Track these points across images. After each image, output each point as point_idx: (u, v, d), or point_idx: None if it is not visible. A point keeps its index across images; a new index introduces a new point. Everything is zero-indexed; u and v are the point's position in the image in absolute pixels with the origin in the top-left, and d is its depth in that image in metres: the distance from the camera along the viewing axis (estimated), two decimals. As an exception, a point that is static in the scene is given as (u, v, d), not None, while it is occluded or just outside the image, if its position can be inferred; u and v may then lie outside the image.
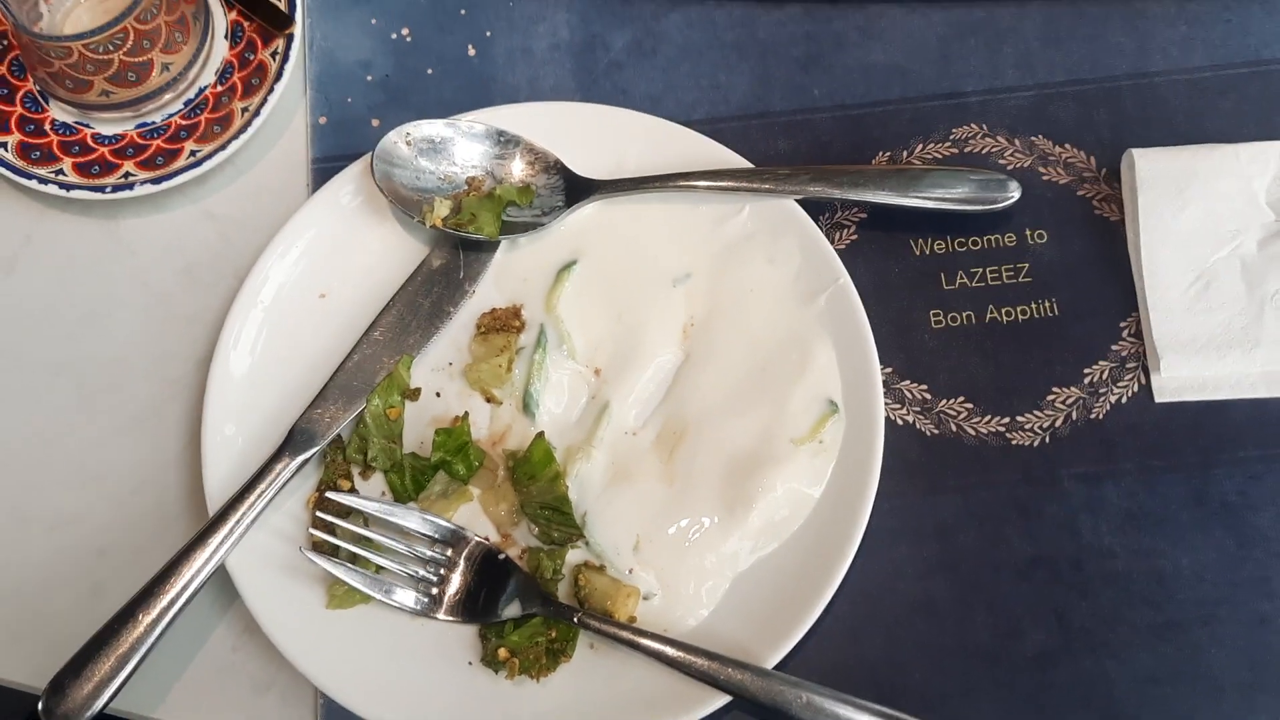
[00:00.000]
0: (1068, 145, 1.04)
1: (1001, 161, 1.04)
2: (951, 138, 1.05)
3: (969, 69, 1.08)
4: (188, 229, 1.06)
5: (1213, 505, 0.92)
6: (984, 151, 1.04)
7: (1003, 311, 0.99)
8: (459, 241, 0.98)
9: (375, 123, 1.08)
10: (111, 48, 0.98)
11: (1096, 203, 1.01)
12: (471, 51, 1.11)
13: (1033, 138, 1.05)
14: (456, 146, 0.99)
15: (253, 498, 0.88)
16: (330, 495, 0.87)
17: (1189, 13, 1.08)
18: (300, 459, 0.90)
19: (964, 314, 0.99)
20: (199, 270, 1.04)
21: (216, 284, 1.03)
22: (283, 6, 1.07)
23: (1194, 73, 1.06)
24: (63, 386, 1.02)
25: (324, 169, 1.06)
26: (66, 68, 0.99)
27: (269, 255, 0.97)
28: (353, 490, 0.92)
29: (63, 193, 1.02)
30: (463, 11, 1.12)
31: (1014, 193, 0.98)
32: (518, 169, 1.00)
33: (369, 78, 1.10)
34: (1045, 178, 1.03)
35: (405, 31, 1.12)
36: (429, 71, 1.10)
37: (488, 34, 1.11)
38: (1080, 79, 1.06)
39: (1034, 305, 0.99)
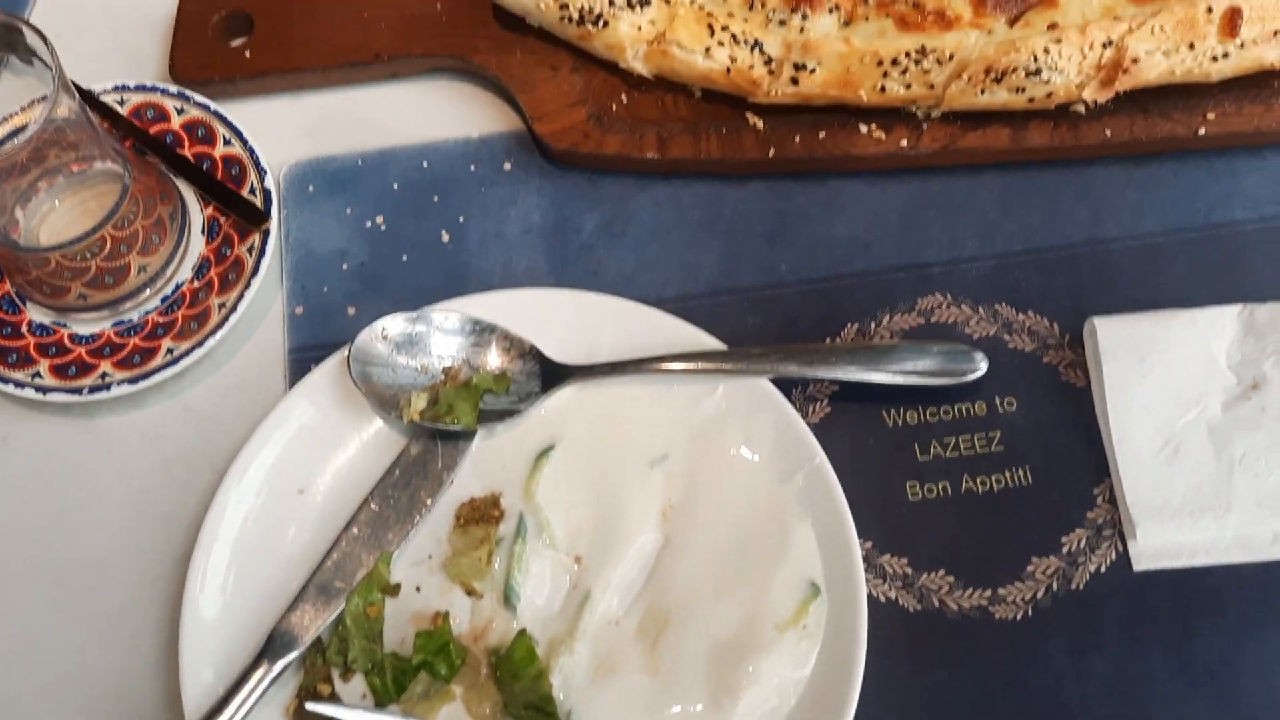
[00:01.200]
0: (1030, 312, 1.07)
1: (967, 330, 1.06)
2: (917, 308, 1.08)
3: (930, 240, 1.11)
4: (165, 424, 1.06)
5: (1197, 672, 0.92)
6: (950, 321, 1.07)
7: (978, 481, 1.00)
8: (437, 431, 0.99)
9: (352, 311, 1.10)
10: (89, 255, 1.00)
11: (1063, 369, 1.04)
12: (445, 238, 1.13)
13: (996, 305, 1.07)
14: (432, 338, 1.01)
15: (231, 709, 0.86)
16: (310, 707, 0.86)
17: (1138, 179, 1.12)
18: (280, 664, 0.89)
19: (940, 485, 1.00)
20: (176, 466, 1.04)
21: (194, 480, 1.03)
22: (258, 202, 1.10)
23: (1147, 238, 1.09)
24: (40, 589, 1.01)
25: (301, 359, 1.07)
26: (44, 275, 1.01)
27: (246, 453, 0.97)
28: (333, 695, 0.90)
29: (39, 396, 1.02)
30: (436, 199, 1.15)
31: (981, 365, 1.00)
32: (494, 357, 1.02)
33: (345, 266, 1.12)
34: (1011, 345, 1.05)
35: (380, 220, 1.14)
36: (404, 258, 1.12)
37: (461, 220, 1.14)
38: (1038, 247, 1.10)
39: (1008, 474, 1.00)
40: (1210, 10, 1.05)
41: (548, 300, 1.04)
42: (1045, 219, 1.11)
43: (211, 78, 1.17)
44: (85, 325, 1.06)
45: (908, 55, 1.06)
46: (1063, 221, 1.11)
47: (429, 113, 1.19)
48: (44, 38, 0.95)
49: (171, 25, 1.22)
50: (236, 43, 1.21)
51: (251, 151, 1.12)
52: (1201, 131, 1.08)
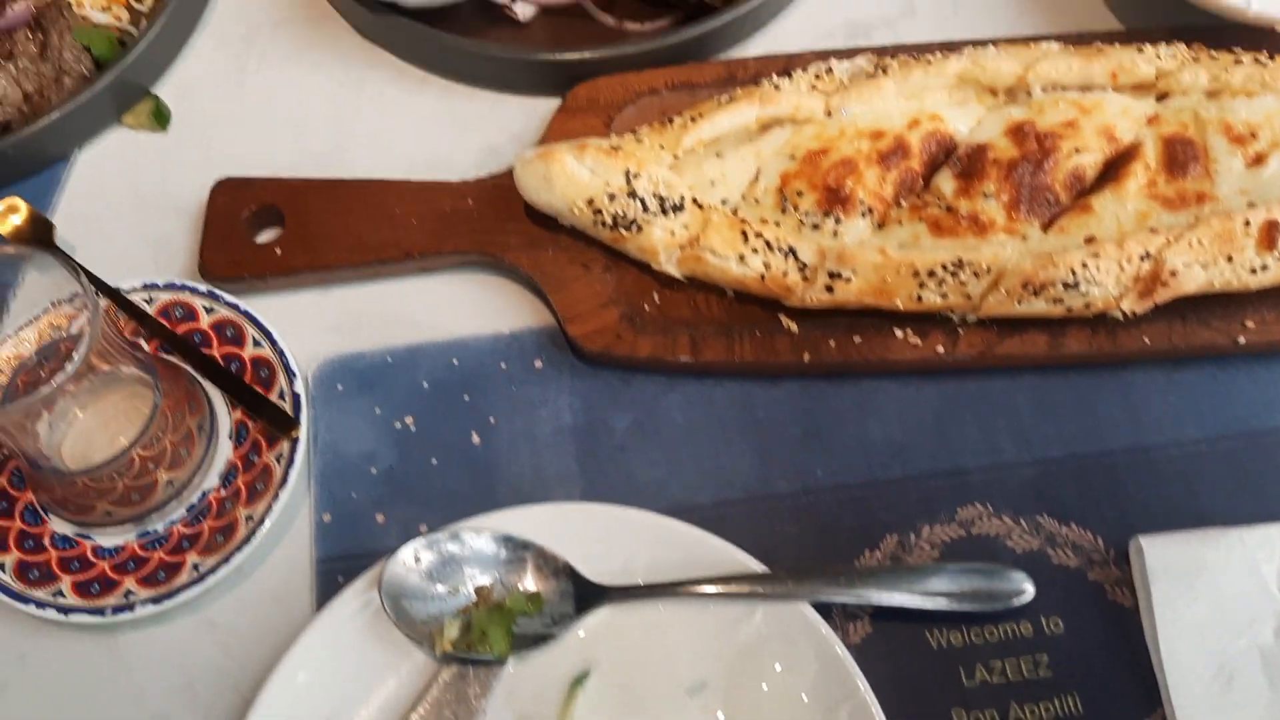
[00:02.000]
0: (1073, 525, 1.05)
1: (1009, 544, 1.04)
2: (957, 519, 1.06)
3: (967, 443, 1.09)
4: (188, 641, 1.03)
5: None
6: (991, 534, 1.05)
7: (1026, 710, 0.97)
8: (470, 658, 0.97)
9: (380, 518, 1.08)
10: (116, 475, 0.98)
11: (1109, 588, 1.01)
12: (476, 439, 1.12)
13: (1038, 517, 1.05)
14: (464, 559, 0.98)
15: None
16: None
17: (1178, 383, 1.11)
18: None
19: (988, 713, 0.97)
20: (199, 687, 1.01)
21: (218, 701, 1.00)
22: (287, 408, 1.08)
23: (1189, 445, 1.08)
24: (53, 819, 0.97)
25: (329, 570, 1.05)
26: (69, 494, 0.99)
27: (273, 684, 0.94)
28: None
29: (61, 617, 1.00)
30: (466, 398, 1.14)
31: (1027, 591, 0.98)
32: (527, 575, 0.99)
33: (373, 470, 1.10)
34: (1055, 561, 1.03)
35: (409, 420, 1.13)
36: (433, 461, 1.11)
37: (491, 420, 1.12)
38: (1078, 454, 1.08)
39: (1057, 702, 0.97)
40: (1248, 224, 1.04)
41: (582, 516, 1.02)
42: (1084, 424, 1.09)
43: (241, 276, 1.16)
44: (109, 537, 1.04)
45: (944, 268, 1.05)
46: (1102, 427, 1.09)
47: (459, 307, 1.18)
48: (80, 273, 0.93)
49: (200, 214, 1.22)
50: (266, 237, 1.21)
51: (281, 354, 1.11)
52: (1241, 340, 1.07)
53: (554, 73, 1.26)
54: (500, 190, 1.19)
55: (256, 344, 1.12)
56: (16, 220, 1.17)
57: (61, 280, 0.95)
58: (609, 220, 1.11)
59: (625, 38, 1.29)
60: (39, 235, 1.17)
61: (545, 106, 1.29)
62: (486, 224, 1.18)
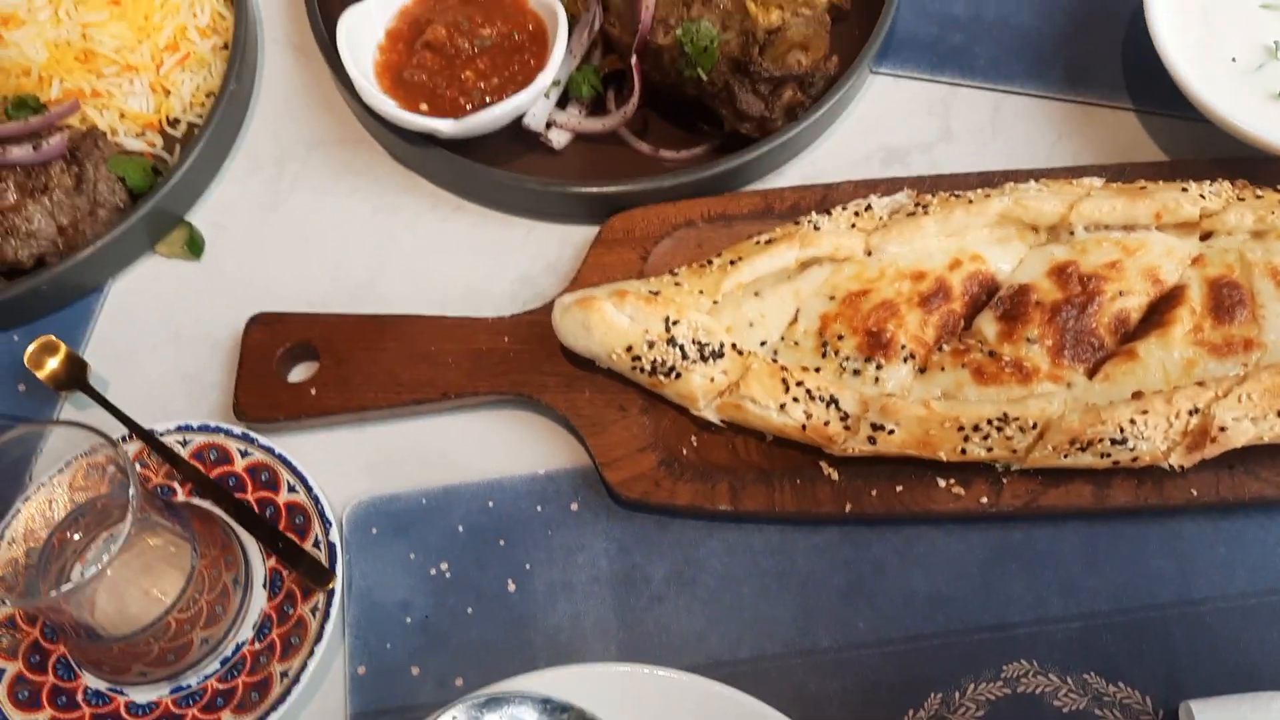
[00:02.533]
0: (1121, 684, 1.03)
1: (1056, 703, 1.02)
2: (1002, 676, 1.04)
3: (1012, 596, 1.07)
4: (222, 802, 1.02)
5: None
6: (1037, 691, 1.03)
7: None
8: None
9: (415, 671, 1.06)
10: (152, 640, 0.97)
11: (1160, 755, 0.99)
12: (511, 587, 1.10)
13: (1085, 675, 1.03)
14: (504, 727, 0.97)
15: None
16: None
17: (1226, 533, 1.09)
18: None
19: None
20: None
21: None
22: (322, 557, 1.07)
23: (1238, 599, 1.06)
24: None
25: (363, 727, 1.04)
26: (103, 657, 0.98)
27: None
28: None
29: (95, 782, 0.99)
30: (501, 542, 1.12)
31: (1078, 763, 0.96)
32: (567, 741, 0.98)
33: (408, 619, 1.09)
34: (1104, 723, 1.01)
35: (444, 566, 1.11)
36: (469, 610, 1.09)
37: (527, 567, 1.11)
38: (1125, 607, 1.06)
39: None
40: (1298, 379, 1.03)
41: (620, 678, 1.00)
42: (1131, 575, 1.07)
43: (276, 418, 1.15)
44: (143, 693, 1.03)
45: (990, 422, 1.04)
46: (1150, 578, 1.07)
47: (495, 446, 1.17)
48: (126, 469, 0.92)
49: (233, 346, 1.21)
50: (301, 372, 1.20)
51: (316, 500, 1.10)
52: (1291, 493, 1.06)
53: (589, 203, 1.26)
54: (536, 328, 1.18)
55: (291, 489, 1.11)
56: (54, 364, 1.16)
57: (98, 445, 0.95)
58: (648, 367, 1.10)
59: (660, 165, 1.28)
60: (74, 375, 1.17)
61: (579, 234, 1.28)
62: (523, 362, 1.17)
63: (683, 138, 1.30)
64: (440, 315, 1.20)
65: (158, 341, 1.24)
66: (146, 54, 1.28)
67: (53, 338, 1.18)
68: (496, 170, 1.25)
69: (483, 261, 1.28)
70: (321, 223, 1.31)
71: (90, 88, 1.26)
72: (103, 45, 1.25)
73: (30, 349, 1.17)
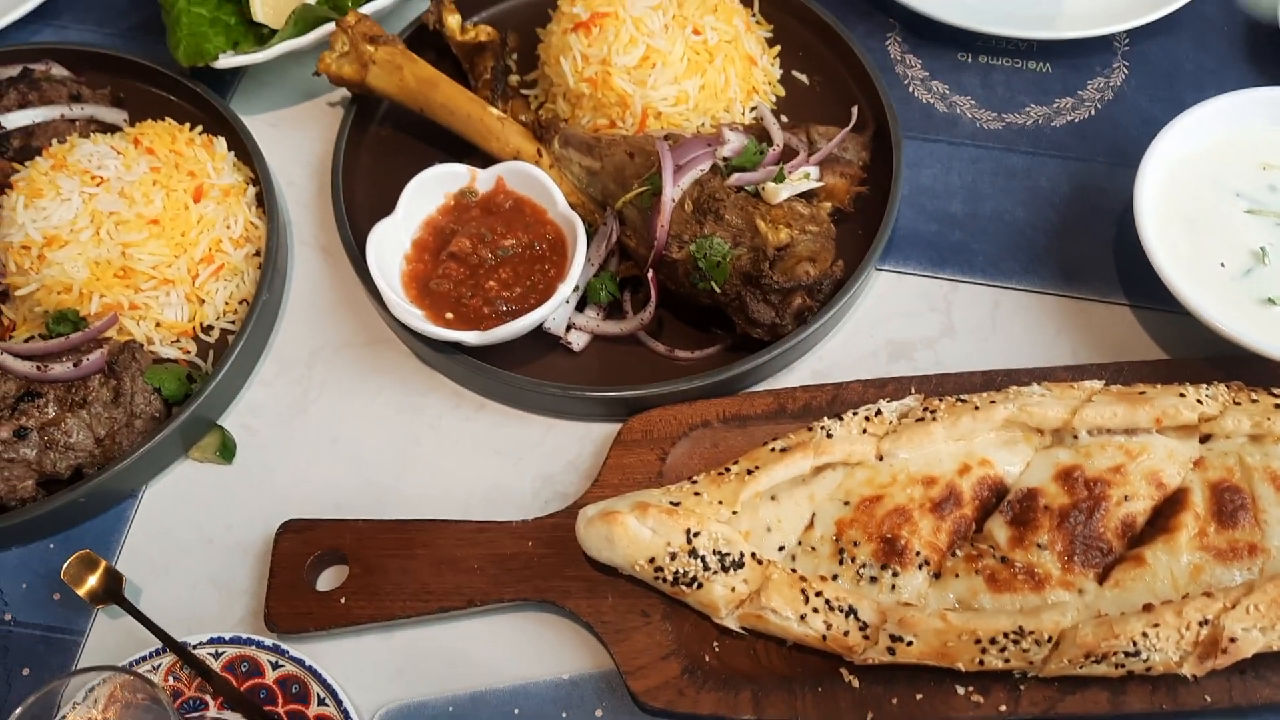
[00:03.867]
0: None
1: None
2: None
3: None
4: None
5: None
6: None
7: None
8: None
9: None
10: None
11: None
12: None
13: None
14: None
15: None
16: None
17: (1242, 735, 1.11)
18: None
19: None
20: None
21: None
22: (354, 774, 1.09)
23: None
24: None
25: None
26: None
27: None
28: None
29: None
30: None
31: None
32: None
33: (437, 834, 1.10)
34: None
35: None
36: (497, 823, 1.10)
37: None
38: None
39: None
40: (1303, 588, 1.06)
41: None
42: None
43: (307, 628, 1.18)
44: None
45: (1005, 635, 1.06)
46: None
47: (520, 648, 1.19)
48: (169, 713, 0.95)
49: (263, 551, 1.25)
50: (330, 578, 1.23)
51: (346, 714, 1.12)
52: (1302, 696, 1.08)
53: (608, 404, 1.30)
54: (559, 531, 1.21)
55: (321, 702, 1.13)
56: (92, 581, 1.19)
57: (138, 685, 0.98)
58: (670, 577, 1.13)
59: (675, 365, 1.33)
60: (110, 590, 1.19)
61: (599, 431, 1.33)
62: (547, 567, 1.20)
63: (696, 337, 1.36)
64: (465, 520, 1.23)
65: (189, 546, 1.27)
66: (183, 268, 1.34)
67: (91, 553, 1.21)
68: (519, 375, 1.30)
69: (505, 460, 1.32)
70: (348, 424, 1.35)
71: (128, 301, 1.32)
72: (142, 262, 1.31)
73: (68, 564, 1.20)
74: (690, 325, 1.37)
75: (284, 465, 1.33)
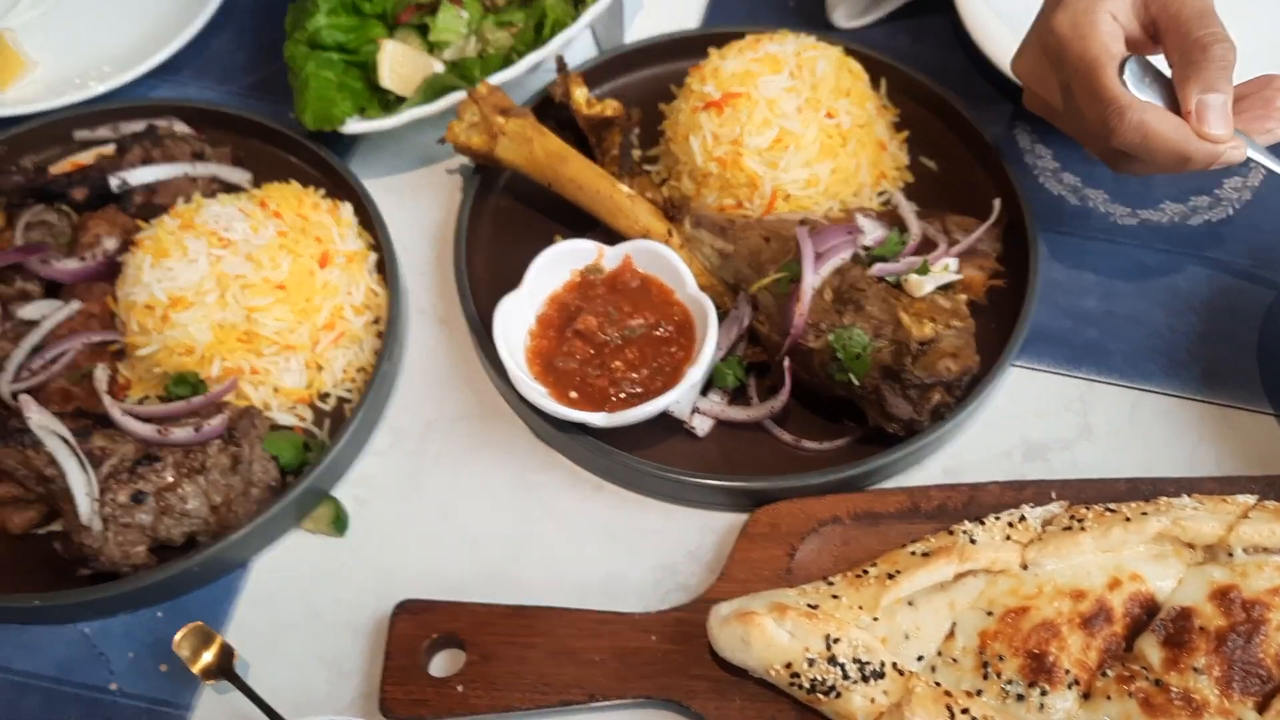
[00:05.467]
0: None
1: None
2: None
3: None
4: None
5: None
6: None
7: None
8: None
9: None
10: None
11: None
12: None
13: None
14: None
15: None
16: None
17: None
18: None
19: None
20: None
21: None
22: None
23: None
24: None
25: None
26: None
27: None
28: None
29: None
30: None
31: None
32: None
33: None
34: None
35: None
36: None
37: None
38: None
39: None
40: None
41: None
42: None
43: (423, 716, 1.14)
44: None
45: (1164, 775, 1.01)
46: None
47: (647, 752, 1.15)
48: None
49: (373, 630, 1.21)
50: (444, 661, 1.19)
51: (463, 811, 1.07)
52: None
53: (732, 494, 1.26)
54: (684, 626, 1.17)
55: (437, 796, 1.09)
56: (208, 656, 1.16)
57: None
58: (806, 684, 1.08)
59: (801, 455, 1.29)
60: (223, 665, 1.16)
61: (720, 520, 1.29)
62: (671, 664, 1.15)
63: (824, 427, 1.31)
64: (585, 609, 1.19)
65: (297, 620, 1.24)
66: (305, 334, 1.31)
67: (205, 626, 1.18)
68: (644, 460, 1.27)
69: (622, 547, 1.28)
70: (461, 499, 1.32)
71: (250, 366, 1.29)
72: (266, 327, 1.29)
73: (181, 635, 1.17)
74: (815, 414, 1.33)
75: (395, 539, 1.29)
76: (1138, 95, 1.14)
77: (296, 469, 1.29)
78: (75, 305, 1.34)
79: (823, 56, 1.46)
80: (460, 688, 1.15)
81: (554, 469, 1.34)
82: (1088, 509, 1.17)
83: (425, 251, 1.51)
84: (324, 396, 1.35)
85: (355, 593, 1.25)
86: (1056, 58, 1.19)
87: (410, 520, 1.31)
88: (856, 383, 1.22)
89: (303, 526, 1.29)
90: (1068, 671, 1.08)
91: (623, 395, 1.28)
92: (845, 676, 1.08)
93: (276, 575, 1.27)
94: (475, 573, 1.27)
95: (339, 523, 1.29)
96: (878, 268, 1.25)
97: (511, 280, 1.36)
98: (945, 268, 1.27)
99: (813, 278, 1.24)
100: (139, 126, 1.51)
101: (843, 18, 1.66)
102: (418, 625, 1.19)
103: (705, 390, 1.33)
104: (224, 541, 1.21)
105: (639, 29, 1.72)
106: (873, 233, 1.27)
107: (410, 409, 1.39)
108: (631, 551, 1.28)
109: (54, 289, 1.39)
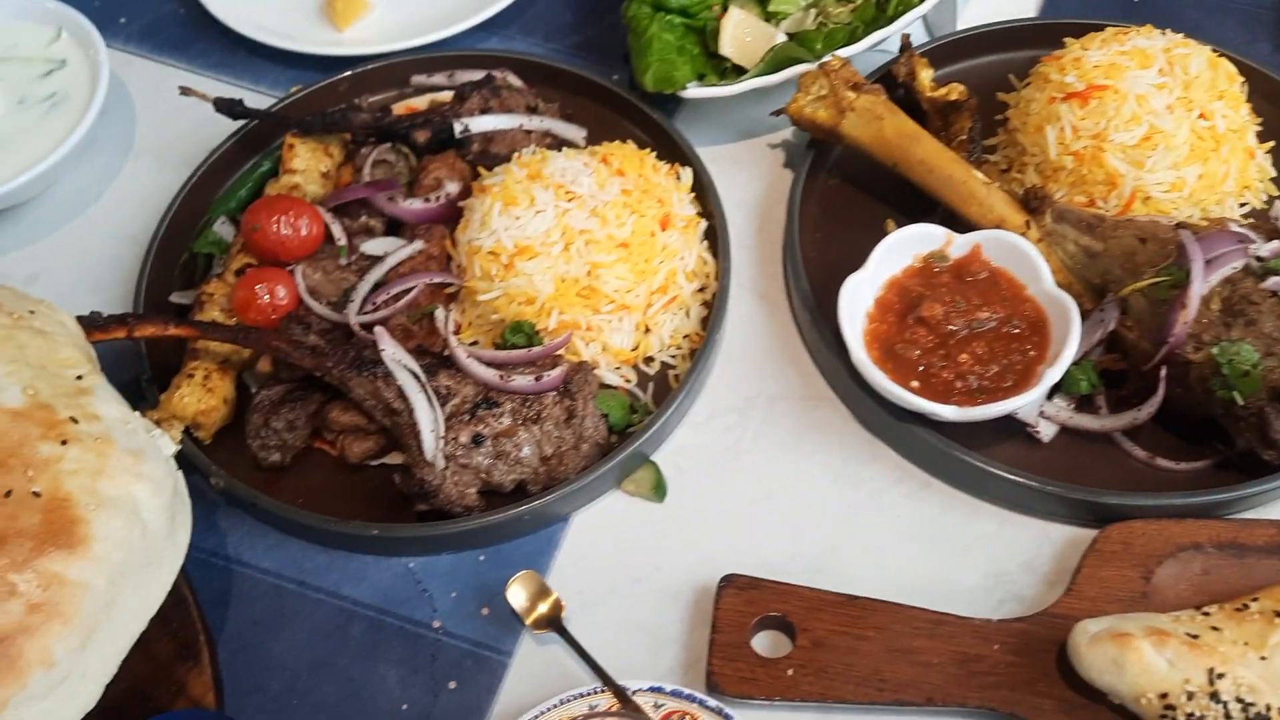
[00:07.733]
0: None
1: None
2: None
3: None
4: None
5: None
6: None
7: None
8: None
9: None
10: None
11: None
12: None
13: None
14: None
15: None
16: None
17: None
18: None
19: None
20: None
21: None
22: None
23: None
24: None
25: None
26: None
27: None
28: None
29: None
30: None
31: None
32: None
33: None
34: None
35: None
36: None
37: None
38: None
39: None
40: None
41: None
42: None
43: (752, 695, 1.10)
44: None
45: None
46: None
47: (972, 765, 1.09)
48: None
49: (690, 601, 1.19)
50: (766, 642, 1.15)
51: (793, 798, 1.04)
52: None
53: (1078, 506, 1.19)
54: (1029, 639, 1.11)
55: (766, 780, 1.05)
56: (543, 608, 1.15)
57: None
58: (1181, 718, 1.00)
59: (1154, 474, 1.21)
60: (553, 617, 1.15)
61: (1059, 533, 1.21)
62: (1015, 678, 1.09)
63: (1180, 446, 1.23)
64: (922, 608, 1.14)
65: (616, 581, 1.22)
66: (641, 295, 1.30)
67: (537, 575, 1.17)
68: (983, 458, 1.21)
69: (950, 549, 1.22)
70: (780, 481, 1.28)
71: (586, 322, 1.28)
72: (606, 284, 1.28)
73: (513, 582, 1.17)
74: (1170, 432, 1.24)
75: (712, 512, 1.26)
76: None
77: (622, 430, 1.27)
78: (418, 245, 1.36)
79: (1195, 55, 1.37)
80: (790, 671, 1.11)
81: (879, 460, 1.29)
82: None
83: (745, 224, 1.48)
84: (648, 360, 1.33)
85: (674, 561, 1.23)
86: None
87: (727, 495, 1.27)
88: (1241, 401, 1.13)
89: (622, 488, 1.27)
90: None
91: (969, 389, 1.22)
92: (1227, 716, 0.99)
93: (595, 533, 1.26)
94: (795, 556, 1.22)
95: (659, 489, 1.26)
96: (1273, 281, 1.16)
97: (838, 260, 1.32)
98: (1348, 290, 1.17)
99: (1201, 285, 1.15)
100: (475, 76, 1.52)
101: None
102: (745, 602, 1.15)
103: (1051, 394, 1.26)
104: (554, 493, 1.20)
105: (970, 16, 1.66)
106: (1272, 244, 1.18)
107: (729, 383, 1.35)
108: (962, 554, 1.22)
109: (393, 227, 1.41)
